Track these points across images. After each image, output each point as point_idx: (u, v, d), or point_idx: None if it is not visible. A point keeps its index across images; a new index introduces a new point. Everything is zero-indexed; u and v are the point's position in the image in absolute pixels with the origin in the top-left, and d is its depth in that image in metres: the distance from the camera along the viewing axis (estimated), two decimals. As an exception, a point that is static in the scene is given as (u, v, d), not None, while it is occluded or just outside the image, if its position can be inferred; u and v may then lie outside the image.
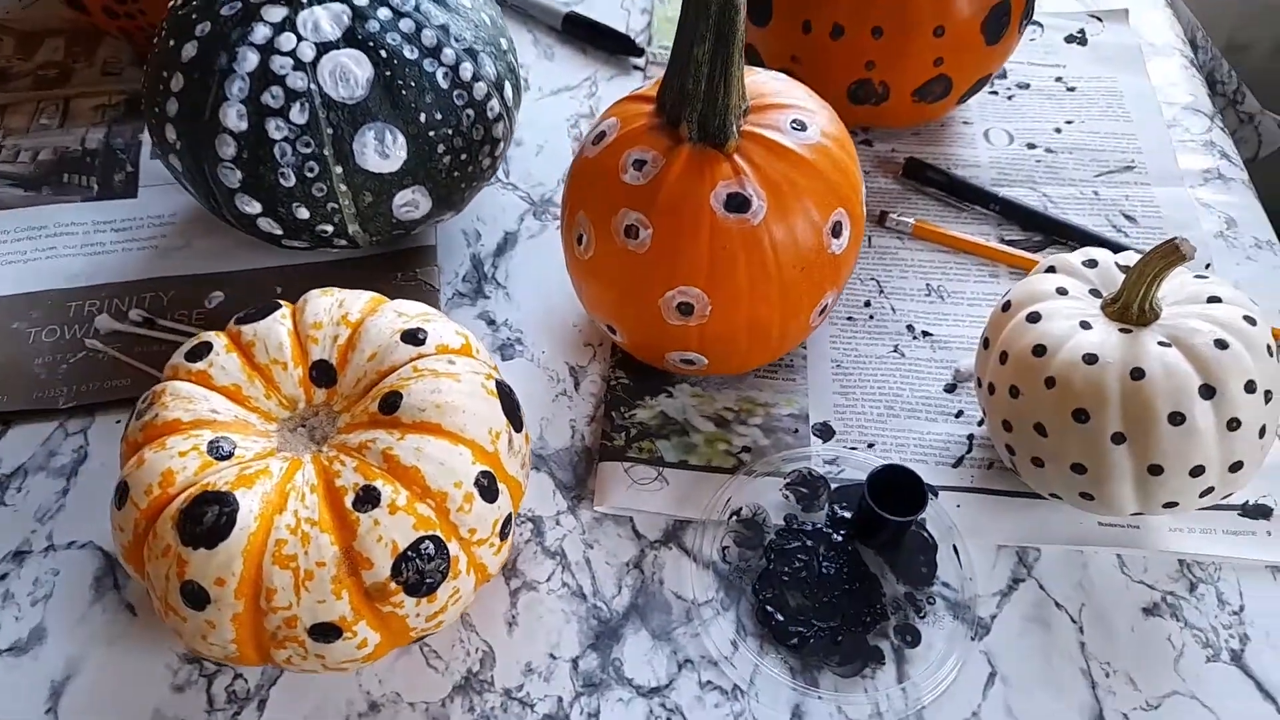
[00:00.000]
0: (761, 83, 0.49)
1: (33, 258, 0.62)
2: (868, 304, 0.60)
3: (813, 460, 0.52)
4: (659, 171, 0.45)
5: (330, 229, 0.54)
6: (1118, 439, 0.43)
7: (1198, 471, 0.43)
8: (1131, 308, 0.45)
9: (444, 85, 0.52)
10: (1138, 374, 0.43)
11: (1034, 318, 0.46)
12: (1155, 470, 0.43)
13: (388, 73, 0.51)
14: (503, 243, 0.63)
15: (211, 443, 0.41)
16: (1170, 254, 0.43)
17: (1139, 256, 0.48)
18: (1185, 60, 0.74)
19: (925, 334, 0.58)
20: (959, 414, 0.55)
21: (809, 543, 0.49)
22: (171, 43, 0.51)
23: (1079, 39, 0.75)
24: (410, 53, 0.51)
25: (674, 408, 0.55)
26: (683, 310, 0.47)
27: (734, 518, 0.50)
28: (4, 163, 0.66)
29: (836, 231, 0.47)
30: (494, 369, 0.46)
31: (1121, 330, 0.45)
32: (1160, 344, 0.44)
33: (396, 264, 0.61)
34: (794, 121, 0.47)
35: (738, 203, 0.45)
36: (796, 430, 0.54)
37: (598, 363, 0.57)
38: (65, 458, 0.53)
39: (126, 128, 0.68)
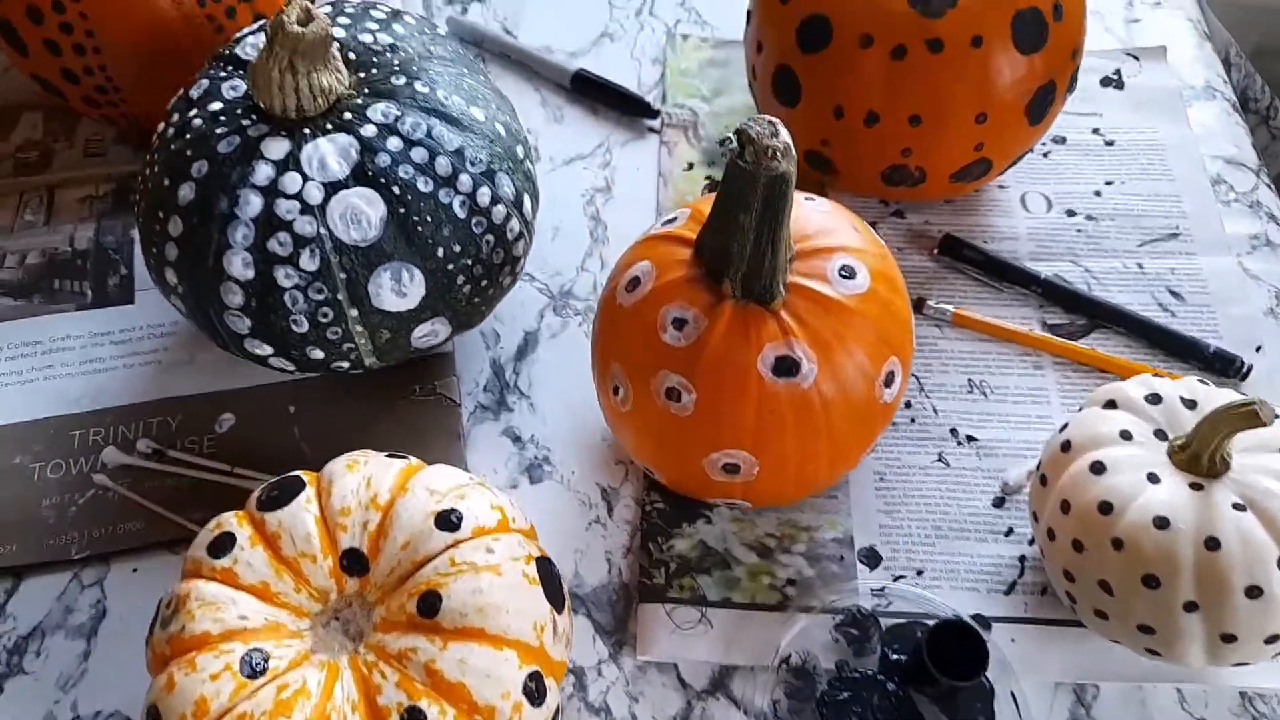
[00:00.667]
0: (804, 217, 0.45)
1: (30, 378, 0.59)
2: (909, 404, 0.57)
3: (861, 594, 0.51)
4: (701, 333, 0.43)
5: (346, 365, 0.51)
6: (1190, 607, 0.42)
7: (1273, 639, 0.42)
8: (1201, 459, 0.43)
9: (461, 215, 0.49)
10: (1212, 544, 0.41)
11: (1098, 468, 0.44)
12: (1229, 639, 0.42)
13: (401, 210, 0.47)
14: (523, 344, 0.60)
15: (244, 658, 0.39)
16: (1248, 418, 0.41)
17: (1202, 388, 0.46)
18: (1227, 105, 0.71)
19: (970, 439, 0.56)
20: (1009, 532, 0.53)
21: (863, 693, 0.47)
22: (166, 181, 0.48)
23: (1115, 82, 0.72)
24: (424, 185, 0.48)
25: (714, 536, 0.53)
26: (728, 470, 0.45)
27: (784, 665, 0.49)
28: (-10, 269, 0.63)
29: (889, 381, 0.45)
30: (532, 540, 0.44)
31: (1192, 486, 0.43)
32: (1235, 506, 0.42)
33: (413, 376, 0.58)
34: (843, 268, 0.44)
35: (786, 366, 0.42)
36: (842, 558, 0.52)
37: (631, 483, 0.55)
38: (83, 614, 0.51)
39: (116, 222, 0.64)
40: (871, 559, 0.52)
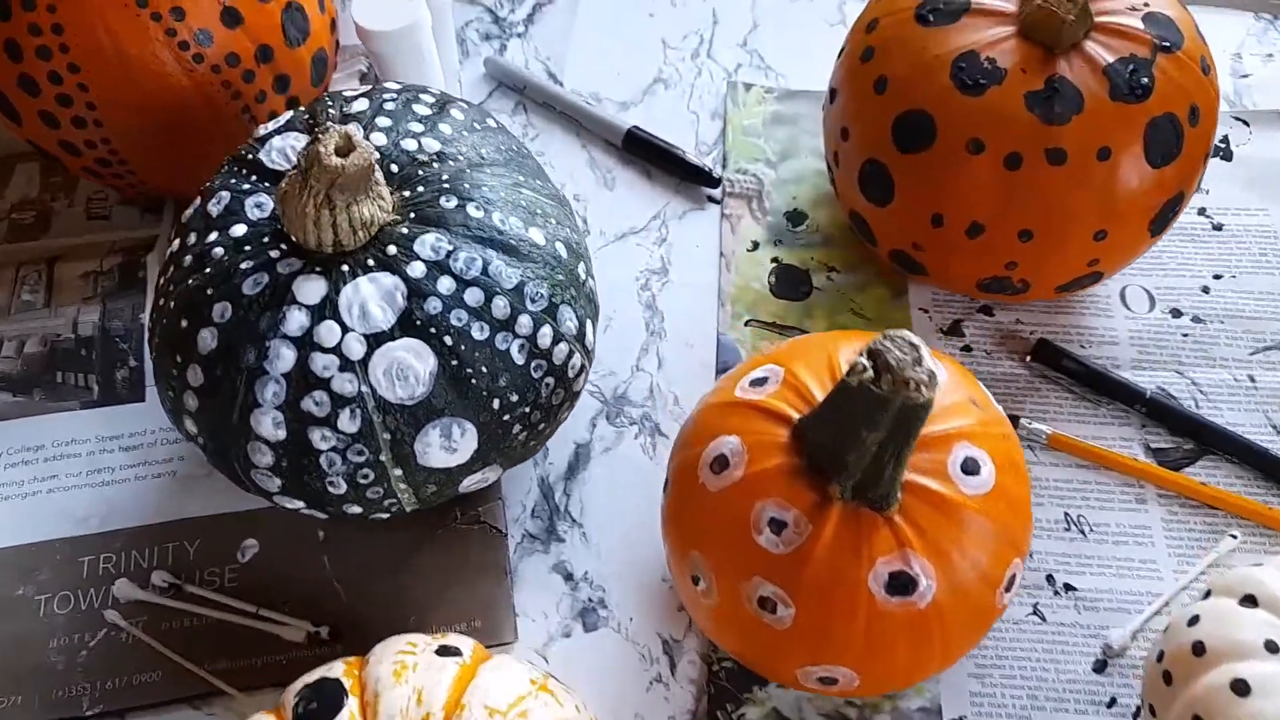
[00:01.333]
0: (918, 391, 0.40)
1: (32, 490, 0.53)
2: (998, 543, 0.52)
3: (951, 777, 0.46)
4: (804, 541, 0.37)
5: (386, 516, 0.46)
6: None
7: None
8: (1363, 684, 0.38)
9: (520, 361, 0.43)
10: (1381, 799, 0.36)
11: (1241, 688, 0.39)
12: None
13: (454, 362, 0.41)
14: (574, 459, 0.55)
15: None
16: None
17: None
18: (1348, 181, 0.64)
19: (1068, 588, 0.51)
20: (1111, 703, 0.48)
21: None
22: (184, 323, 0.42)
23: (1223, 152, 0.65)
24: (479, 333, 0.42)
25: (788, 703, 0.48)
26: (825, 682, 0.40)
27: None
28: (-15, 358, 0.57)
29: (1010, 585, 0.39)
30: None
31: (1353, 717, 0.38)
32: (1406, 752, 0.37)
33: (455, 501, 0.52)
34: (965, 462, 0.38)
35: (902, 584, 0.37)
36: (929, 729, 0.48)
37: (695, 635, 0.50)
38: (97, 777, 0.47)
39: (123, 304, 0.58)
40: (961, 731, 0.48)
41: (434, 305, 0.41)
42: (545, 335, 0.44)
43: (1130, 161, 0.47)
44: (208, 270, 0.42)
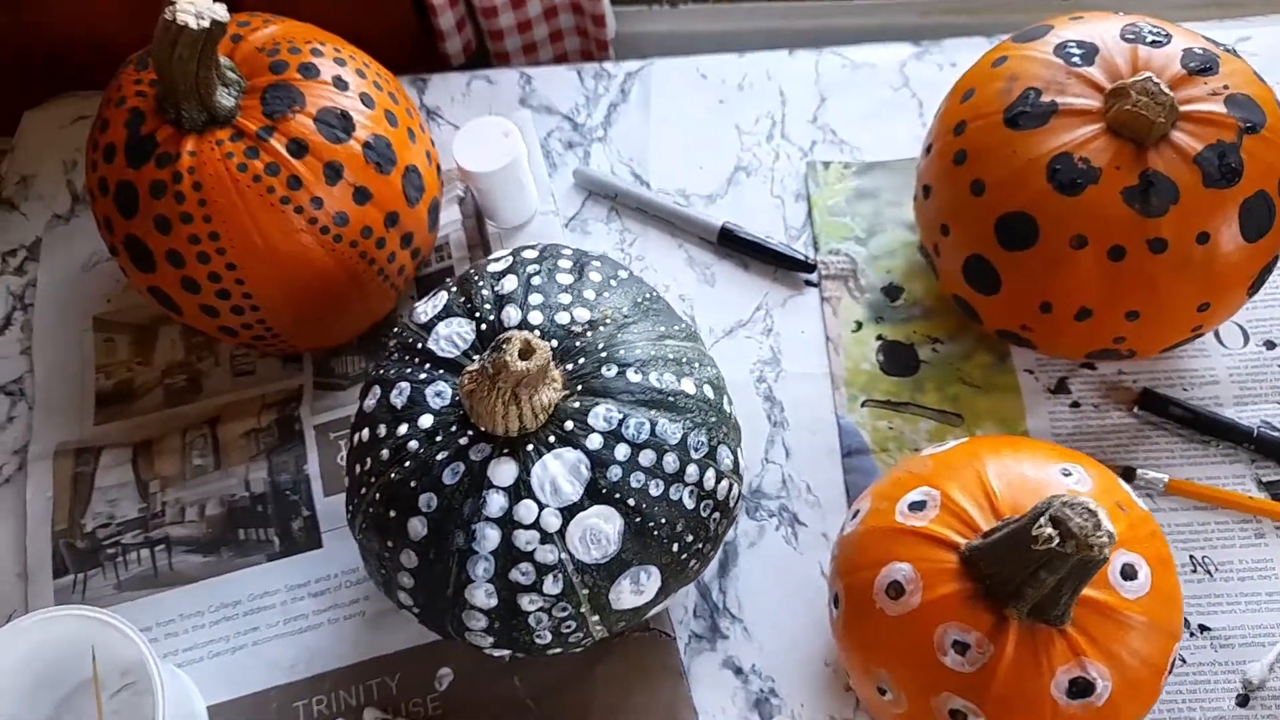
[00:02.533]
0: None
1: (239, 645, 0.58)
2: (1131, 593, 0.56)
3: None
4: (988, 660, 0.41)
5: (579, 649, 0.51)
6: None
7: None
8: None
9: (690, 505, 0.47)
10: None
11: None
12: None
13: (638, 519, 0.46)
14: (724, 559, 0.59)
15: None
16: None
17: None
18: None
19: (1203, 628, 0.55)
20: (1259, 736, 0.52)
21: None
22: (392, 513, 0.46)
23: (1294, 172, 0.67)
24: (655, 489, 0.46)
25: (960, 770, 0.52)
26: (1012, 771, 0.44)
27: None
28: (173, 524, 0.62)
29: (1171, 668, 0.43)
30: None
31: None
32: None
33: (623, 611, 0.57)
34: (1124, 568, 0.42)
35: (1081, 688, 0.41)
36: (1093, 781, 0.52)
37: (864, 714, 0.54)
38: None
39: (286, 458, 0.63)
40: (1123, 780, 0.52)
41: (615, 472, 0.45)
42: (710, 478, 0.48)
43: (1228, 240, 0.50)
44: (407, 464, 0.46)
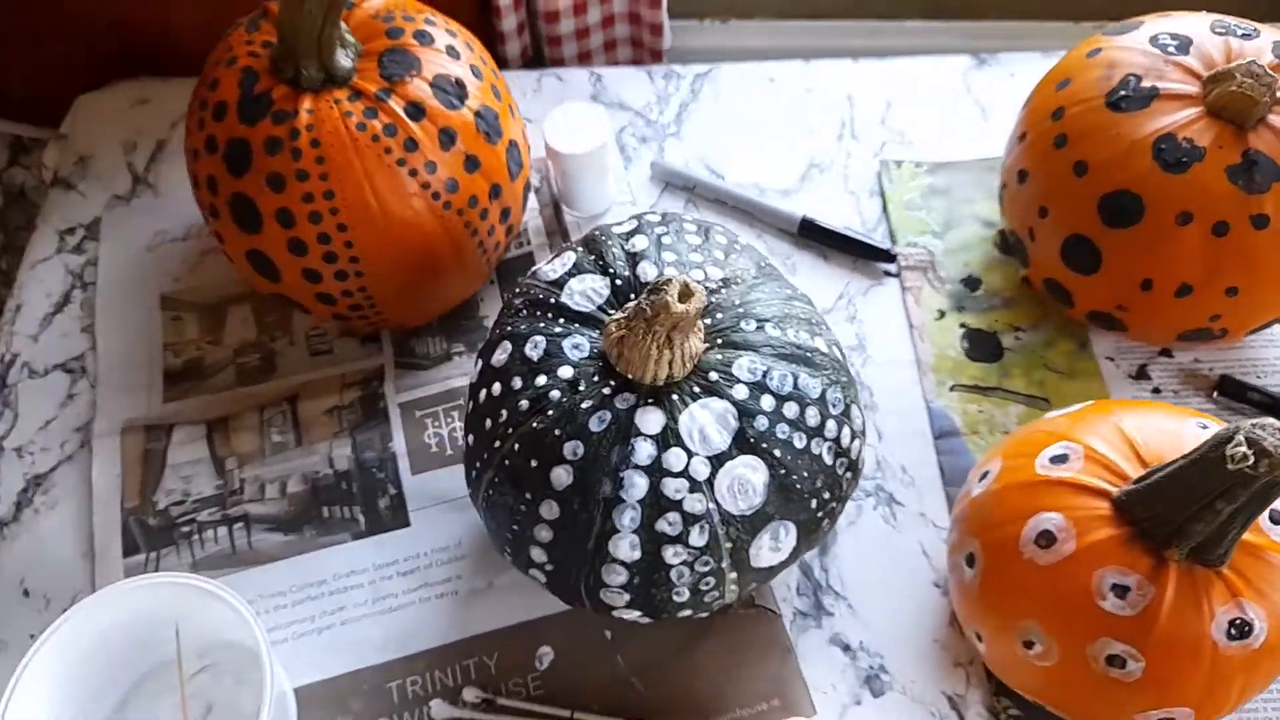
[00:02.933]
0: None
1: (325, 625, 0.56)
2: (1227, 570, 0.57)
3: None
4: (1149, 603, 0.41)
5: (707, 615, 0.50)
6: None
7: None
8: None
9: (829, 461, 0.47)
10: None
11: None
12: None
13: (782, 471, 0.45)
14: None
15: None
16: None
17: None
18: None
19: (1299, 604, 0.56)
20: (1365, 707, 0.53)
21: None
22: (533, 464, 0.45)
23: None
24: (799, 442, 0.46)
25: (1078, 743, 0.52)
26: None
27: None
28: (252, 501, 0.59)
29: (1316, 616, 0.44)
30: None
31: None
32: None
33: (727, 587, 0.56)
34: (1272, 513, 0.43)
35: (1240, 629, 0.41)
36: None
37: (976, 688, 0.54)
38: None
39: (371, 434, 0.61)
40: (1238, 750, 0.52)
41: (761, 423, 0.45)
42: (845, 435, 0.48)
43: (1326, 216, 0.53)
44: (550, 412, 0.45)
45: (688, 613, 0.48)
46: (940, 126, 0.74)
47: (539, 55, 0.89)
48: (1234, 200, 0.52)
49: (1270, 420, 0.37)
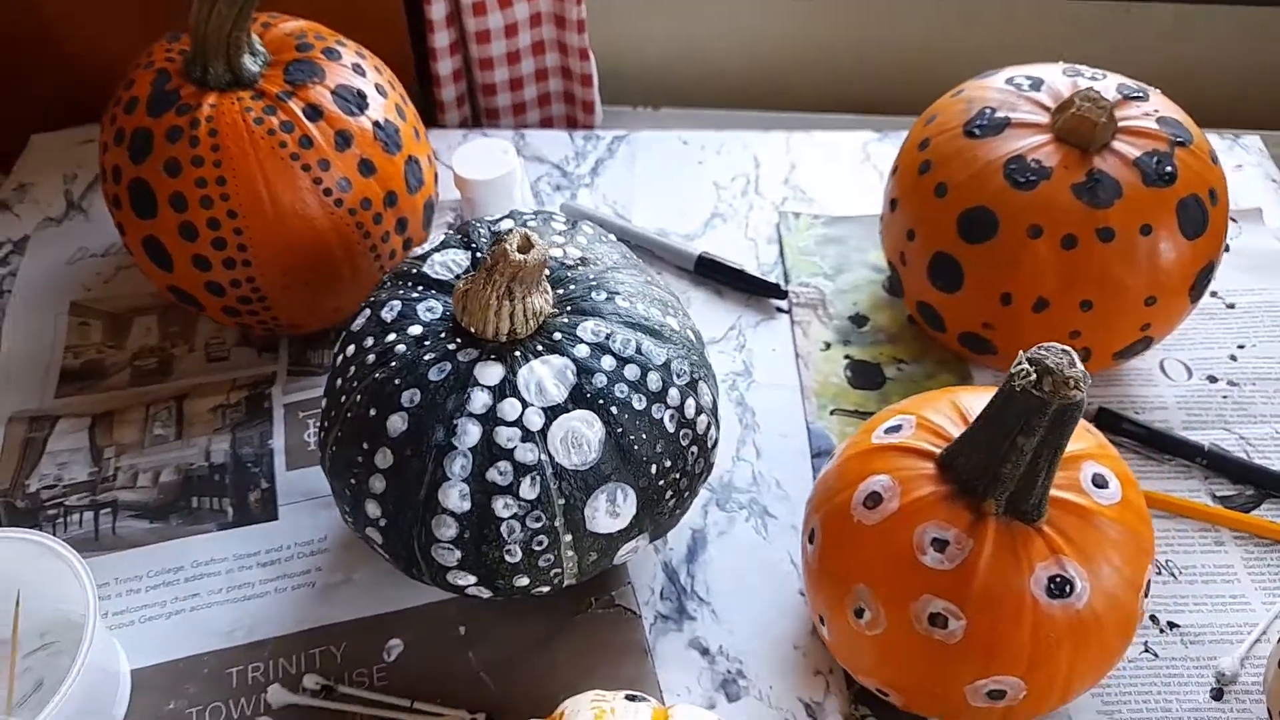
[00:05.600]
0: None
1: (175, 610, 0.55)
2: (1100, 591, 0.56)
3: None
4: (968, 555, 0.41)
5: (547, 589, 0.49)
6: None
7: None
8: None
9: (671, 429, 0.47)
10: None
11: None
12: None
13: (619, 429, 0.46)
14: (692, 545, 0.58)
15: None
16: None
17: None
18: (1332, 262, 0.73)
19: (1172, 625, 0.54)
20: (1237, 728, 0.51)
21: None
22: (372, 412, 0.46)
23: (1227, 246, 0.73)
24: (639, 403, 0.46)
25: (936, 752, 0.50)
26: (992, 696, 0.42)
27: None
28: (123, 489, 0.59)
29: (1147, 590, 0.43)
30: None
31: None
32: None
33: (588, 589, 0.55)
34: (1095, 478, 0.43)
35: (1060, 587, 0.41)
36: (1074, 768, 0.49)
37: (834, 695, 0.52)
38: None
39: (252, 433, 0.62)
40: (1104, 767, 0.50)
41: (600, 380, 0.46)
42: (690, 407, 0.48)
43: (1168, 236, 0.55)
44: (393, 364, 0.46)
45: (524, 582, 0.47)
46: (840, 187, 0.78)
47: (478, 126, 0.95)
48: (1080, 214, 0.55)
49: (1055, 344, 0.38)
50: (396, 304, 0.49)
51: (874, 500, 0.44)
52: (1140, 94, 0.59)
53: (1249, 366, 0.66)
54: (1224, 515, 0.58)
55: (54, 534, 0.57)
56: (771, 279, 0.71)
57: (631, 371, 0.47)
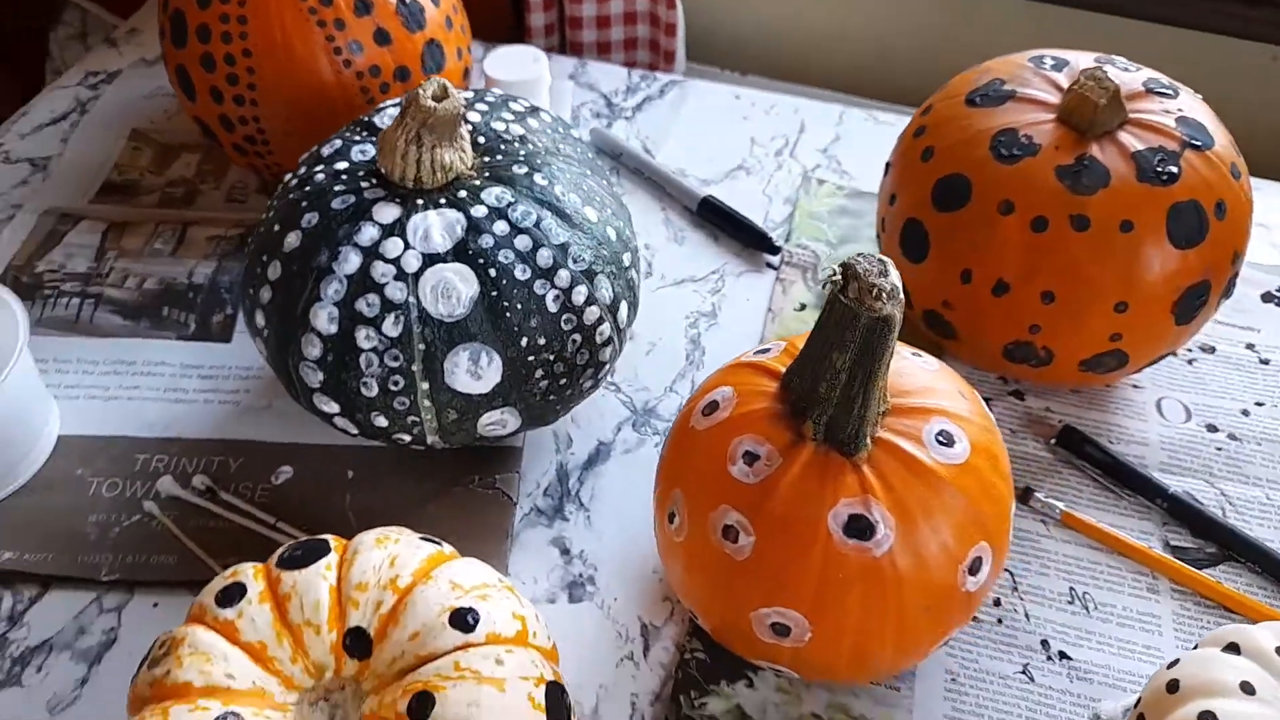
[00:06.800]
0: (908, 372, 0.42)
1: (115, 395, 0.59)
2: (998, 603, 0.52)
3: (907, 808, 0.44)
4: (773, 472, 0.39)
5: (408, 438, 0.50)
6: None
7: None
8: (1341, 737, 0.36)
9: (553, 309, 0.48)
10: (1346, 846, 0.34)
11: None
12: None
13: (494, 292, 0.46)
14: (594, 454, 0.58)
15: (219, 719, 0.36)
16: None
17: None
18: (1407, 343, 0.64)
19: (1063, 655, 0.50)
20: (1093, 774, 0.46)
21: None
22: (276, 227, 0.48)
23: (1276, 299, 0.66)
24: (521, 273, 0.47)
25: (753, 702, 0.47)
26: (777, 630, 0.40)
27: None
28: (112, 286, 0.65)
29: (975, 569, 0.40)
30: (551, 661, 0.40)
31: (1326, 767, 0.36)
32: (1379, 805, 0.34)
33: (477, 464, 0.56)
34: (940, 434, 0.40)
35: (860, 527, 0.38)
36: (892, 760, 0.46)
37: (674, 624, 0.50)
38: (93, 638, 0.50)
39: (236, 264, 0.66)
40: (926, 770, 0.46)
41: (487, 240, 0.47)
42: (580, 294, 0.48)
43: (1152, 237, 0.50)
44: (307, 189, 0.49)
45: (384, 422, 0.48)
46: (875, 166, 0.75)
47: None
48: (1057, 197, 0.51)
49: (877, 255, 0.35)
50: (338, 142, 0.51)
51: (711, 409, 0.42)
52: (1169, 91, 0.54)
53: (1260, 425, 0.59)
54: (1163, 562, 0.53)
55: (41, 310, 0.63)
56: (774, 236, 0.70)
57: (523, 242, 0.47)
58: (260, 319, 0.49)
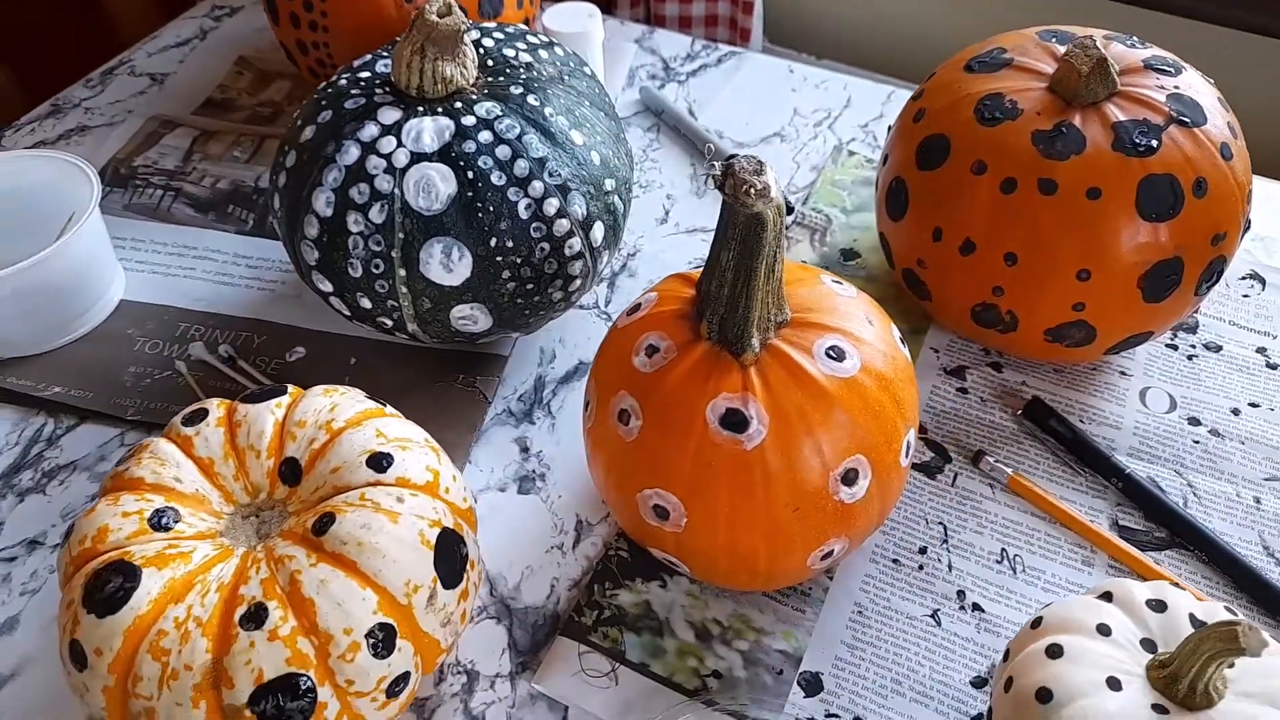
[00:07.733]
0: (819, 295, 0.44)
1: (173, 274, 0.68)
2: (924, 550, 0.53)
3: (783, 717, 0.46)
4: (667, 363, 0.42)
5: (390, 323, 0.55)
6: (1103, 843, 0.34)
7: None
8: (1179, 683, 0.36)
9: (524, 215, 0.52)
10: (1147, 774, 0.34)
11: (1055, 651, 0.38)
12: None
13: (470, 193, 0.51)
14: (573, 371, 0.62)
15: (157, 510, 0.42)
16: (1226, 639, 0.34)
17: (1225, 615, 0.39)
18: None
19: (976, 607, 0.50)
20: (978, 718, 0.46)
21: (732, 811, 0.43)
22: (299, 122, 0.55)
23: (1305, 309, 0.64)
24: (497, 179, 0.51)
25: (661, 601, 0.50)
26: (658, 513, 0.43)
27: (665, 749, 0.45)
28: (191, 183, 0.74)
29: (849, 480, 0.42)
30: (462, 518, 0.45)
31: (1156, 708, 0.36)
32: (1193, 745, 0.34)
33: (464, 365, 0.61)
34: (831, 349, 0.42)
35: (734, 421, 0.41)
36: (781, 672, 0.48)
37: (607, 525, 0.54)
38: (109, 465, 0.57)
39: (297, 175, 0.74)
40: (812, 686, 0.47)
41: (469, 146, 0.51)
42: (551, 205, 0.52)
43: (1118, 208, 0.50)
44: (329, 91, 0.55)
45: (368, 304, 0.54)
46: (915, 143, 0.76)
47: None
48: (1028, 159, 0.51)
49: (756, 157, 0.38)
50: (369, 56, 0.57)
51: (635, 309, 0.46)
52: (1170, 68, 0.53)
53: (1248, 425, 0.57)
54: (1104, 538, 0.52)
55: (129, 196, 0.73)
56: (793, 198, 0.72)
57: (503, 151, 0.52)
58: (276, 202, 0.55)
